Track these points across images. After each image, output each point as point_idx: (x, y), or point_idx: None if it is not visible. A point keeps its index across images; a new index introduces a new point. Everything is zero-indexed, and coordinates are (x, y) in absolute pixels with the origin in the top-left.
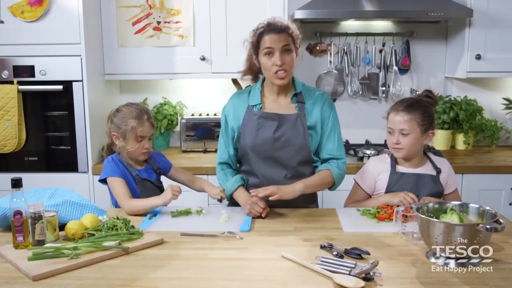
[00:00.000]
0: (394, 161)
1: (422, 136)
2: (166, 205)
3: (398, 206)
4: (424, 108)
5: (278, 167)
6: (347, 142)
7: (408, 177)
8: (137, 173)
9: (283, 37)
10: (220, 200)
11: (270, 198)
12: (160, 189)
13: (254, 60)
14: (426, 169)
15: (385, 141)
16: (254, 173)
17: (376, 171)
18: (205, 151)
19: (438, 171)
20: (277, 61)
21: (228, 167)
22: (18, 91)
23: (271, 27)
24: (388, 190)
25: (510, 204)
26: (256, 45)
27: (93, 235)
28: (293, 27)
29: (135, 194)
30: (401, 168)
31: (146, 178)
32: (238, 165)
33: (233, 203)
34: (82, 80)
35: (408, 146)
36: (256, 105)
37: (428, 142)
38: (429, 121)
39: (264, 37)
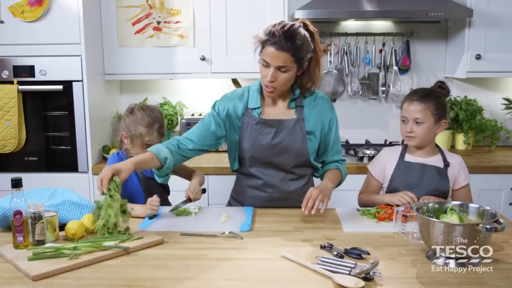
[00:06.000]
0: (404, 151)
1: (435, 125)
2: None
3: (398, 206)
4: (437, 98)
5: (277, 171)
6: (347, 142)
7: (414, 167)
8: (141, 171)
9: (282, 56)
10: (189, 200)
11: (322, 210)
12: (163, 187)
13: (259, 54)
14: (435, 160)
15: (384, 141)
16: (254, 175)
17: (386, 158)
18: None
19: (446, 164)
20: (269, 77)
21: (177, 147)
22: (18, 91)
23: (276, 40)
24: (393, 178)
25: (510, 204)
26: (260, 47)
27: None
28: (301, 44)
29: (137, 192)
30: (409, 157)
31: (150, 177)
32: (238, 167)
33: (230, 203)
34: (82, 80)
35: (421, 135)
36: (255, 109)
37: (441, 131)
38: (442, 111)
39: (266, 47)
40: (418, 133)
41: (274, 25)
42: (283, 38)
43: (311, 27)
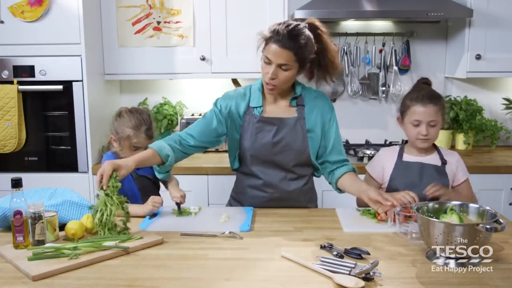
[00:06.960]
0: (402, 150)
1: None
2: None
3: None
4: (440, 97)
5: (278, 170)
6: (347, 142)
7: (412, 166)
8: (134, 170)
9: (285, 55)
10: (178, 205)
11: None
12: (156, 185)
13: (262, 51)
14: (432, 159)
15: (384, 141)
16: (255, 175)
17: (384, 158)
18: (205, 151)
19: (444, 162)
20: (270, 74)
21: (179, 143)
22: (18, 91)
23: (280, 38)
24: (392, 178)
25: (510, 204)
26: (263, 44)
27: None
28: (304, 44)
29: (133, 190)
30: (407, 157)
31: (144, 175)
32: (238, 166)
33: (230, 203)
34: (82, 80)
35: (435, 136)
36: (257, 108)
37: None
38: (445, 110)
39: (270, 44)
40: (433, 134)
41: (280, 24)
42: (287, 37)
43: (320, 28)
